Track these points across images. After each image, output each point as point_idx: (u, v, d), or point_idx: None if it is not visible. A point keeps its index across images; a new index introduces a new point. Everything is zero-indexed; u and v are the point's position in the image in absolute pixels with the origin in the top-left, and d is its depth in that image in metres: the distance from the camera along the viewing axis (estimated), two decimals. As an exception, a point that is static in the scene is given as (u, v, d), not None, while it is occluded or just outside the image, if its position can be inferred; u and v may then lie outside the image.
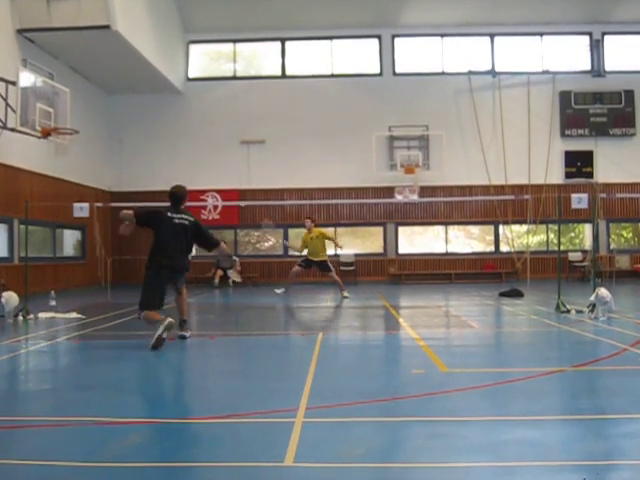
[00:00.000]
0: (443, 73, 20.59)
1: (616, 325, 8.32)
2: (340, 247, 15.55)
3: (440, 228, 20.73)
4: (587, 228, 20.71)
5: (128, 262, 18.50)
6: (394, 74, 20.55)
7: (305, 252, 13.99)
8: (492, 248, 20.66)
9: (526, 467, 3.03)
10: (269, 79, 20.84)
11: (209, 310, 12.21)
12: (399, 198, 19.42)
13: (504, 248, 20.49)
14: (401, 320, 9.62)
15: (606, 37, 20.47)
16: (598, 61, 20.25)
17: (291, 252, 18.14)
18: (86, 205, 11.60)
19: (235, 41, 20.88)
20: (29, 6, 14.19)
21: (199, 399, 4.84)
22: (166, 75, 18.57)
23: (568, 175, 20.00)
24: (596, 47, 20.30)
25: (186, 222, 7.25)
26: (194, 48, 20.95)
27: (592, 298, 9.07)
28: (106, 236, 18.99)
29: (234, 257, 18.65)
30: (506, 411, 4.18)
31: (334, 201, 19.76)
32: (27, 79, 12.54)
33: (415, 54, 20.82)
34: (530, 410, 4.10)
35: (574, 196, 10.37)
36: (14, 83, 12.07)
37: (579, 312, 9.55)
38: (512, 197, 17.76)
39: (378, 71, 20.65)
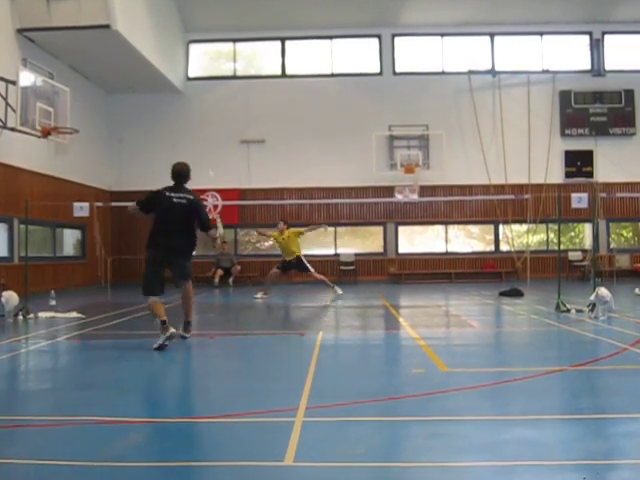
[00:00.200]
0: (443, 73, 20.59)
1: (616, 324, 8.32)
2: (324, 228, 14.81)
3: (440, 228, 20.73)
4: (587, 228, 20.71)
5: (128, 262, 18.50)
6: (394, 74, 20.55)
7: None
8: (492, 248, 20.66)
9: (526, 466, 3.03)
10: (269, 79, 20.84)
11: (209, 309, 12.21)
12: (399, 198, 19.42)
13: (504, 247, 20.49)
14: (401, 320, 9.62)
15: (606, 36, 20.46)
16: (598, 60, 20.25)
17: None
18: (86, 205, 11.60)
19: (235, 40, 20.88)
20: (29, 6, 14.18)
21: (199, 398, 4.84)
22: (166, 75, 18.56)
23: (568, 175, 20.00)
24: (596, 46, 20.30)
25: (184, 201, 6.96)
26: (194, 47, 20.94)
27: (592, 297, 9.07)
28: (106, 236, 19.00)
29: (234, 259, 18.79)
30: (506, 411, 4.18)
31: (334, 201, 19.76)
32: (27, 79, 12.53)
33: (415, 54, 20.81)
34: (530, 409, 4.10)
35: (574, 195, 10.37)
36: (14, 83, 12.07)
37: (579, 311, 9.55)
38: (512, 197, 17.77)
39: (378, 71, 20.65)
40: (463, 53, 20.57)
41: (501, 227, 20.36)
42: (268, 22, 19.98)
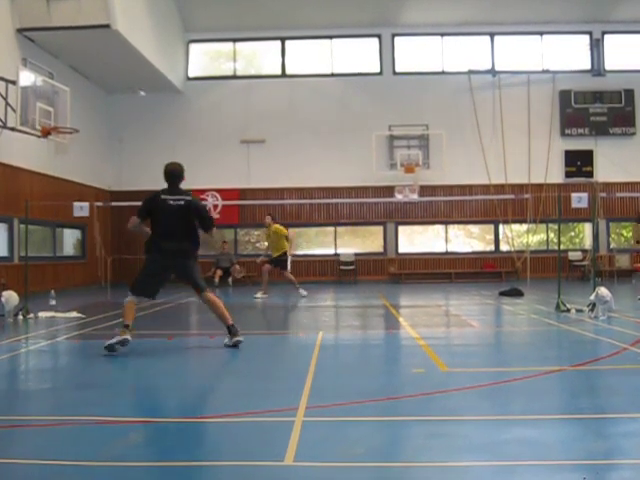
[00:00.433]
0: (443, 72, 20.59)
1: (616, 324, 8.32)
2: (289, 253, 14.29)
3: (440, 227, 20.74)
4: (587, 227, 20.71)
5: (128, 261, 18.49)
6: (394, 73, 20.55)
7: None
8: (492, 247, 20.67)
9: (526, 466, 3.03)
10: (269, 78, 20.84)
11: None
12: (399, 197, 19.42)
13: (504, 247, 20.50)
14: (401, 319, 9.62)
15: (606, 36, 20.47)
16: (598, 60, 20.25)
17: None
18: (86, 204, 11.58)
19: (235, 40, 20.88)
20: (29, 5, 14.19)
21: (199, 398, 4.84)
22: (166, 74, 18.57)
23: (568, 174, 20.00)
24: (596, 46, 20.30)
25: (182, 202, 6.76)
26: (194, 47, 20.94)
27: (592, 297, 9.07)
28: (106, 235, 19.00)
29: (234, 259, 18.70)
30: (506, 410, 4.18)
31: (334, 200, 19.76)
32: (27, 78, 12.54)
33: (415, 53, 20.82)
34: (530, 409, 4.10)
35: (574, 195, 10.36)
36: (14, 82, 12.07)
37: (579, 311, 9.55)
38: (512, 196, 17.76)
39: (378, 70, 20.65)
40: (463, 53, 20.58)
41: (501, 227, 20.36)
42: (268, 22, 19.98)
